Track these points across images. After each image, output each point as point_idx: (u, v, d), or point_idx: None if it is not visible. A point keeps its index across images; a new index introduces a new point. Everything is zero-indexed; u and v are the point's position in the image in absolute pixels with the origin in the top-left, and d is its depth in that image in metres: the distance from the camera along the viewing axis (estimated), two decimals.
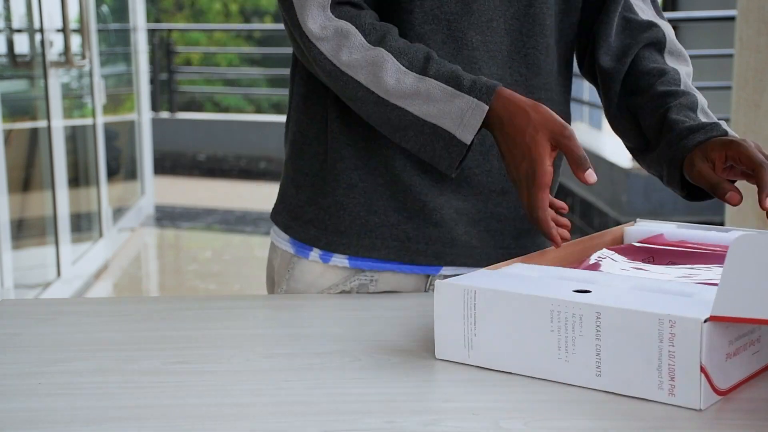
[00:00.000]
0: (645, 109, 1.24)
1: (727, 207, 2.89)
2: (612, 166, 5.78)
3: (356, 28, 1.15)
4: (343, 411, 0.85)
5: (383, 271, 1.25)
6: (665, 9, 7.88)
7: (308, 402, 0.88)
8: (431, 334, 1.01)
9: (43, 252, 4.10)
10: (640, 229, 1.24)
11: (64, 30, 4.19)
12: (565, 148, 1.10)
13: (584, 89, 7.92)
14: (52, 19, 4.15)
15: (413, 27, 1.19)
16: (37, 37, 4.06)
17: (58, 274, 4.16)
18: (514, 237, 1.28)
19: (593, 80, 1.38)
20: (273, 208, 1.33)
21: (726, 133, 1.15)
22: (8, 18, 3.90)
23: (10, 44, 3.89)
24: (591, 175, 1.09)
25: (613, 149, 6.34)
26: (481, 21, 1.20)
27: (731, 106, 2.83)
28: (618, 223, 5.67)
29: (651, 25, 1.29)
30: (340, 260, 1.26)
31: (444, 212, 1.23)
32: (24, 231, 3.93)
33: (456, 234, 1.24)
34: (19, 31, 4.04)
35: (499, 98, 1.12)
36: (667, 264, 1.11)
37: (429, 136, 1.14)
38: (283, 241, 1.30)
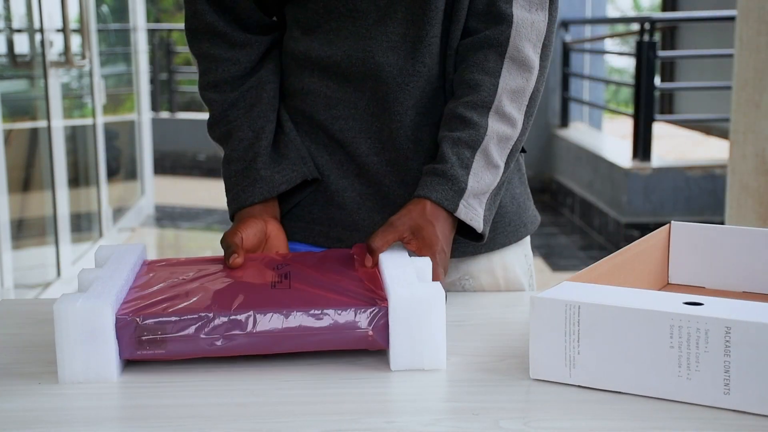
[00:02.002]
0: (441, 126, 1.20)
1: (727, 207, 2.89)
2: (612, 166, 5.77)
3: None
4: (343, 411, 0.85)
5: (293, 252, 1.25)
6: (665, 9, 7.88)
7: (308, 402, 0.88)
8: None
9: (43, 252, 4.10)
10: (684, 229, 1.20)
11: (64, 30, 4.19)
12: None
13: (584, 89, 7.92)
14: (52, 19, 4.15)
15: (310, 17, 1.21)
16: (37, 37, 4.05)
17: (58, 274, 4.15)
18: None
19: None
20: None
21: (426, 196, 1.13)
22: (8, 18, 3.90)
23: (10, 44, 3.89)
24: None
25: (613, 149, 6.34)
26: (380, 13, 1.18)
27: (731, 106, 2.83)
28: (618, 223, 5.68)
29: (499, 19, 1.18)
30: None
31: (347, 195, 1.24)
32: (24, 231, 3.93)
33: (358, 218, 1.24)
34: (19, 31, 4.04)
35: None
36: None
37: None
38: None
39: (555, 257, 5.48)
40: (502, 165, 1.17)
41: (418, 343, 0.94)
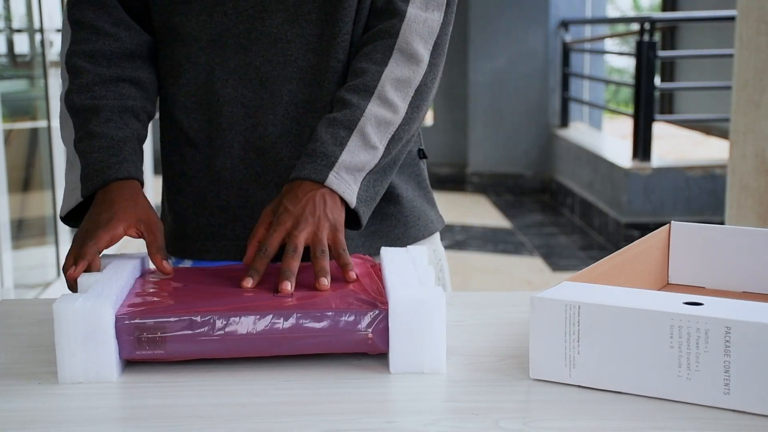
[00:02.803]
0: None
1: (727, 207, 2.89)
2: (612, 166, 5.77)
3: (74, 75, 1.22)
4: (343, 411, 0.85)
5: None
6: (665, 9, 7.88)
7: (308, 402, 0.88)
8: None
9: (43, 252, 4.10)
10: (684, 230, 1.20)
11: None
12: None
13: (584, 89, 7.92)
14: (52, 19, 4.15)
15: (218, 22, 1.20)
16: (37, 37, 4.06)
17: (58, 274, 4.16)
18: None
19: None
20: None
21: (295, 177, 1.11)
22: (8, 18, 3.90)
23: (10, 44, 3.89)
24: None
25: (613, 149, 6.34)
26: (289, 13, 1.19)
27: (731, 106, 2.83)
28: (618, 223, 5.67)
29: (392, 14, 1.20)
30: (187, 265, 1.28)
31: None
32: (24, 231, 3.93)
33: None
34: (19, 31, 4.04)
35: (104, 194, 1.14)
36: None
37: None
38: None
39: (555, 257, 5.48)
40: (381, 147, 1.15)
41: (418, 346, 0.94)
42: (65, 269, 1.06)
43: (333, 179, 1.11)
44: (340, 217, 1.11)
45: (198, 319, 0.94)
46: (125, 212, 1.11)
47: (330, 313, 0.95)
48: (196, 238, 1.28)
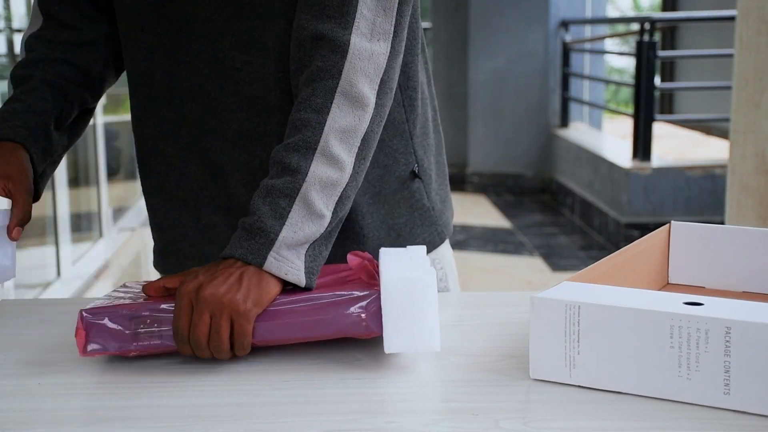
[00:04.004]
0: None
1: (727, 207, 2.89)
2: (612, 166, 5.77)
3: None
4: (343, 411, 0.85)
5: None
6: (665, 9, 7.88)
7: (308, 402, 0.88)
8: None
9: (43, 252, 4.10)
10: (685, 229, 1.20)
11: None
12: None
13: (584, 89, 7.92)
14: None
15: (174, 40, 1.18)
16: None
17: (58, 274, 4.15)
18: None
19: None
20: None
21: (230, 255, 1.01)
22: (8, 18, 3.91)
23: (10, 44, 3.89)
24: None
25: (613, 149, 6.34)
26: (238, 38, 1.14)
27: (731, 106, 2.83)
28: (618, 223, 5.67)
29: (333, 47, 1.07)
30: None
31: (219, 230, 1.21)
32: (24, 231, 3.92)
33: None
34: (19, 31, 4.04)
35: None
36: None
37: None
38: None
39: (555, 257, 5.48)
40: (328, 214, 1.03)
41: (411, 324, 0.94)
42: None
43: (272, 262, 0.99)
44: (261, 300, 0.98)
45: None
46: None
47: (325, 295, 0.96)
48: (157, 252, 1.31)
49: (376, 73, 1.07)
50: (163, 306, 0.97)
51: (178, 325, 0.95)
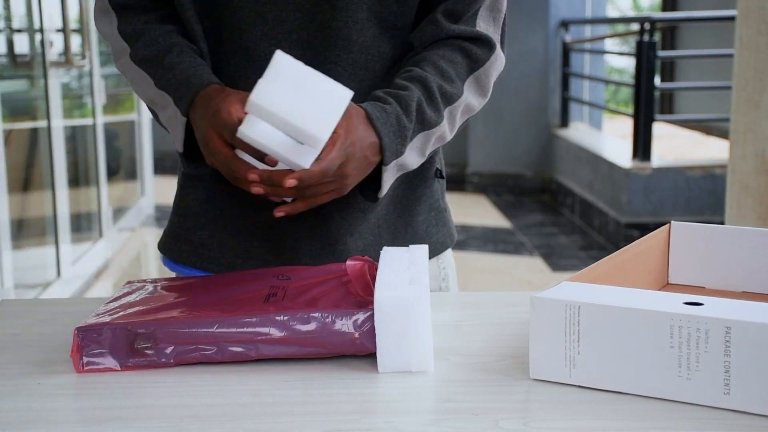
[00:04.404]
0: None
1: (727, 207, 2.89)
2: (612, 166, 5.77)
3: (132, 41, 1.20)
4: (343, 411, 0.85)
5: None
6: (665, 9, 7.88)
7: (308, 402, 0.88)
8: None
9: (43, 252, 4.10)
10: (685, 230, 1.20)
11: (64, 30, 4.19)
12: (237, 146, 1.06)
13: (584, 89, 7.92)
14: (52, 19, 4.15)
15: (201, 35, 1.19)
16: (37, 37, 4.05)
17: (58, 274, 4.15)
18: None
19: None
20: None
21: (379, 134, 1.10)
22: (8, 18, 3.90)
23: (10, 44, 3.89)
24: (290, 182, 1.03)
25: (613, 149, 6.34)
26: (275, 32, 1.17)
27: (731, 106, 2.83)
28: (618, 223, 5.66)
29: (482, 42, 1.22)
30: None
31: (239, 223, 1.23)
32: (24, 231, 3.93)
33: (251, 246, 1.24)
34: (19, 31, 4.04)
35: (196, 105, 1.13)
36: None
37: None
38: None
39: (555, 257, 5.48)
40: (425, 157, 1.19)
41: (405, 345, 0.93)
42: (243, 173, 1.05)
43: (390, 171, 1.12)
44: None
45: (186, 325, 0.96)
46: (227, 96, 1.09)
47: (317, 315, 0.95)
48: (169, 234, 1.30)
49: (497, 73, 1.24)
50: (160, 315, 0.97)
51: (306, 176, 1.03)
